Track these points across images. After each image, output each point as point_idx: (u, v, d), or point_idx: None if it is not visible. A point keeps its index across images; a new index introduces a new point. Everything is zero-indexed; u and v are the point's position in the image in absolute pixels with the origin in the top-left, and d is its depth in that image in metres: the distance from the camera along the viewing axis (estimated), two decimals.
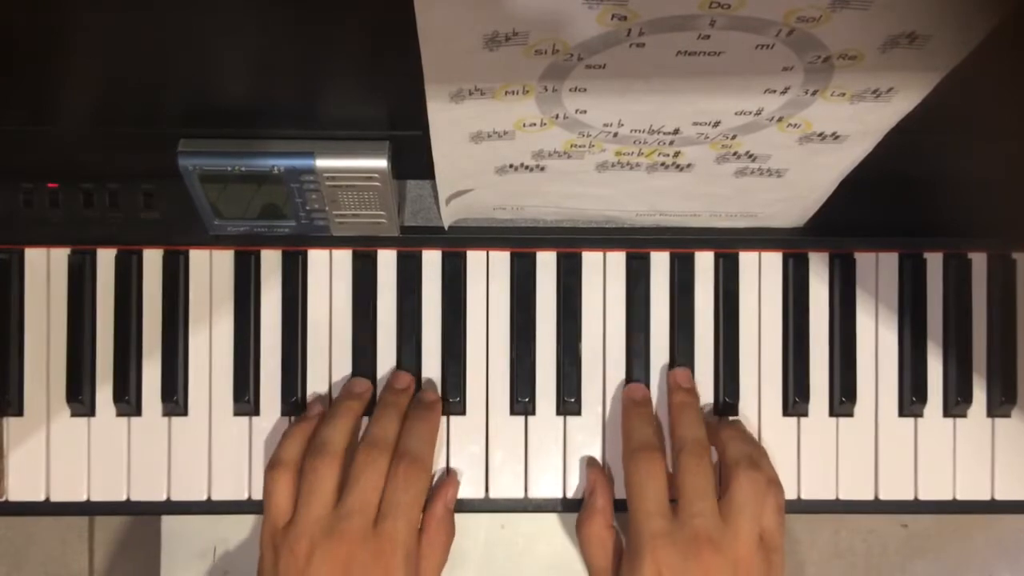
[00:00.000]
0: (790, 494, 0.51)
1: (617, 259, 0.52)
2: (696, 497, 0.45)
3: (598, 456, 0.52)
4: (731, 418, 0.52)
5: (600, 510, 0.49)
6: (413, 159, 0.43)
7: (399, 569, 0.45)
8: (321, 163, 0.43)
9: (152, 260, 0.51)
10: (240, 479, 0.51)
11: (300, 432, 0.49)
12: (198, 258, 0.52)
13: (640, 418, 0.49)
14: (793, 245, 0.52)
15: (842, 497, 0.52)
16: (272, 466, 0.48)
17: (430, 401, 0.50)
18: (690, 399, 0.50)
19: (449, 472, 0.51)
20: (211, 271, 0.51)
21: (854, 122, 0.38)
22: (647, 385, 0.52)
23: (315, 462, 0.46)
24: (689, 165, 0.43)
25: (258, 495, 0.51)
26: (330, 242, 0.51)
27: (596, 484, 0.50)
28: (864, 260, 0.52)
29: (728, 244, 0.52)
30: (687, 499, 0.45)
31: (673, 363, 0.52)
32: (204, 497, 0.51)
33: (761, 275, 0.52)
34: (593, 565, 0.49)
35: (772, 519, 0.46)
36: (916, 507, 0.52)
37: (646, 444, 0.48)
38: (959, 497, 0.52)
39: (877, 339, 0.52)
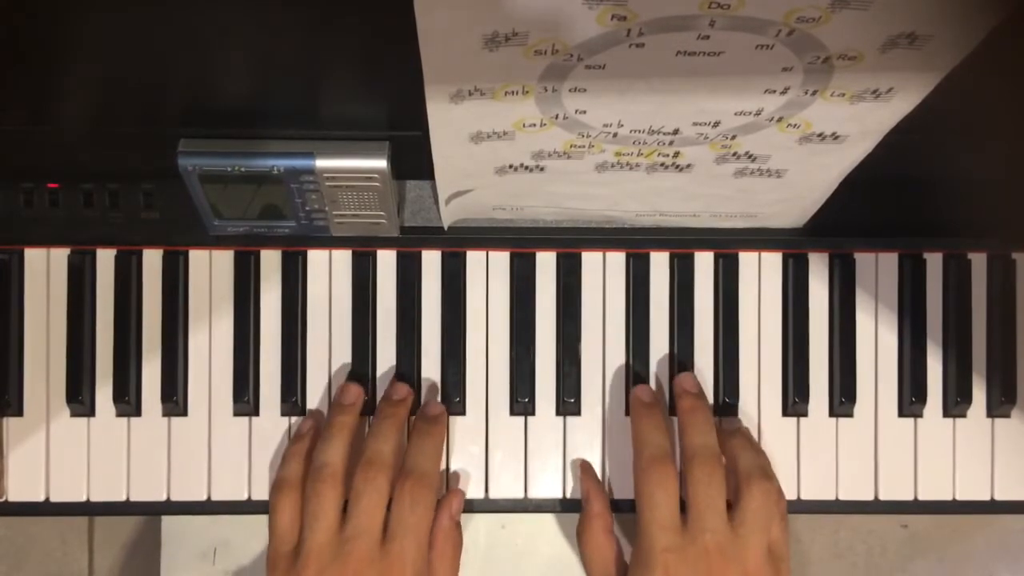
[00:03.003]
0: (790, 494, 0.51)
1: (617, 259, 0.52)
2: (708, 510, 0.45)
3: (598, 456, 0.52)
4: (735, 420, 0.52)
5: (597, 515, 0.49)
6: (413, 159, 0.43)
7: None
8: (321, 163, 0.43)
9: (152, 260, 0.51)
10: (240, 479, 0.51)
11: (299, 451, 0.49)
12: (198, 258, 0.52)
13: (651, 424, 0.48)
14: (793, 245, 0.52)
15: (842, 497, 0.52)
16: (275, 488, 0.47)
17: (434, 415, 0.50)
18: (699, 404, 0.49)
19: (452, 483, 0.51)
20: (211, 271, 0.51)
21: (854, 122, 0.38)
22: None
23: (316, 486, 0.46)
24: (689, 165, 0.43)
25: (258, 495, 0.51)
26: (330, 242, 0.51)
27: (590, 490, 0.50)
28: (864, 260, 0.52)
29: (728, 244, 0.52)
30: (698, 512, 0.45)
31: (673, 363, 0.52)
32: (204, 497, 0.51)
33: (761, 275, 0.52)
34: (591, 571, 0.49)
35: (779, 528, 0.46)
36: (916, 507, 0.52)
37: (659, 455, 0.47)
38: (959, 497, 0.52)
39: (877, 339, 0.52)
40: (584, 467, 0.51)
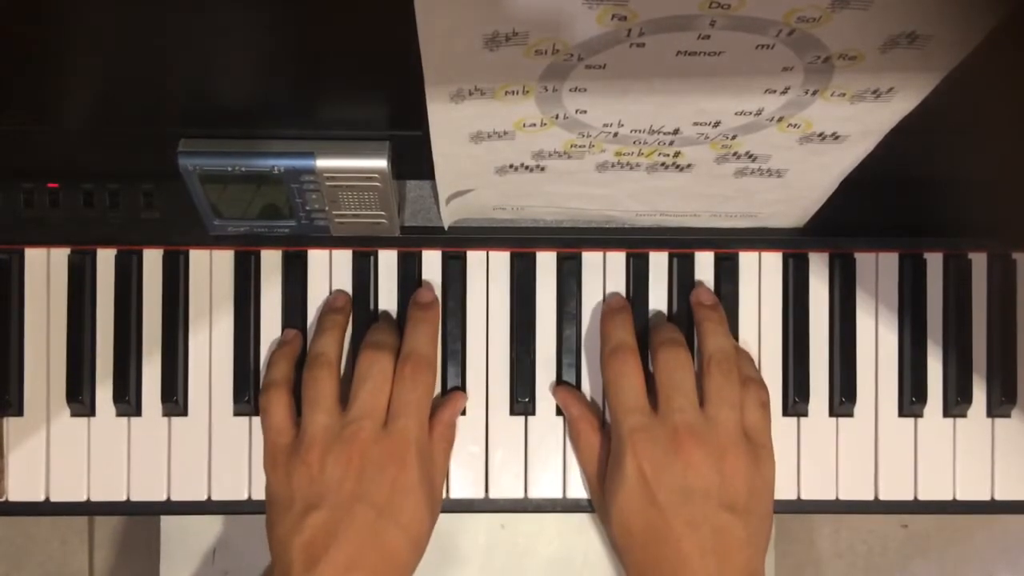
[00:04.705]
0: (790, 494, 0.51)
1: (617, 259, 0.52)
2: (674, 392, 0.46)
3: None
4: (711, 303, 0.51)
5: (580, 416, 0.50)
6: (413, 159, 0.43)
7: (413, 465, 0.45)
8: (321, 163, 0.43)
9: (152, 260, 0.51)
10: (240, 479, 0.51)
11: (284, 354, 0.49)
12: (198, 258, 0.52)
13: (616, 323, 0.50)
14: (793, 245, 0.52)
15: (842, 497, 0.52)
16: (266, 388, 0.48)
17: (427, 302, 0.50)
18: (666, 322, 0.51)
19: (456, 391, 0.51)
20: (211, 271, 0.51)
21: (854, 122, 0.38)
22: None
23: (314, 372, 0.47)
24: (689, 165, 0.43)
25: (258, 495, 0.51)
26: (330, 242, 0.51)
27: (566, 399, 0.51)
28: (864, 260, 0.52)
29: (728, 244, 0.52)
30: (665, 394, 0.46)
31: None
32: (204, 497, 0.51)
33: (761, 275, 0.52)
34: (586, 472, 0.50)
35: (755, 414, 0.47)
36: (916, 507, 0.52)
37: (621, 347, 0.48)
38: (959, 497, 0.52)
39: (877, 339, 0.52)
40: (555, 387, 0.51)
